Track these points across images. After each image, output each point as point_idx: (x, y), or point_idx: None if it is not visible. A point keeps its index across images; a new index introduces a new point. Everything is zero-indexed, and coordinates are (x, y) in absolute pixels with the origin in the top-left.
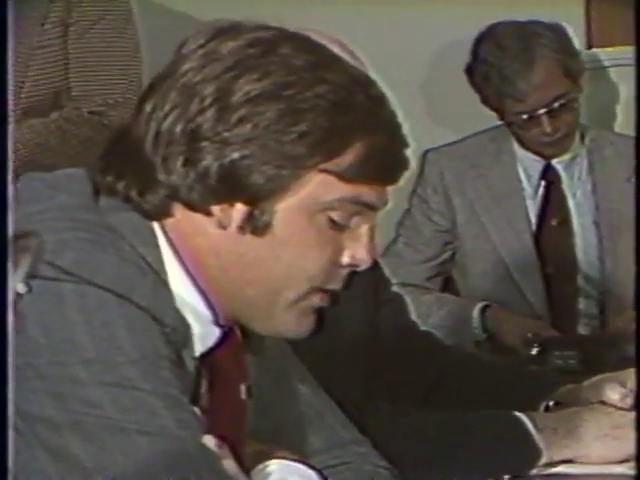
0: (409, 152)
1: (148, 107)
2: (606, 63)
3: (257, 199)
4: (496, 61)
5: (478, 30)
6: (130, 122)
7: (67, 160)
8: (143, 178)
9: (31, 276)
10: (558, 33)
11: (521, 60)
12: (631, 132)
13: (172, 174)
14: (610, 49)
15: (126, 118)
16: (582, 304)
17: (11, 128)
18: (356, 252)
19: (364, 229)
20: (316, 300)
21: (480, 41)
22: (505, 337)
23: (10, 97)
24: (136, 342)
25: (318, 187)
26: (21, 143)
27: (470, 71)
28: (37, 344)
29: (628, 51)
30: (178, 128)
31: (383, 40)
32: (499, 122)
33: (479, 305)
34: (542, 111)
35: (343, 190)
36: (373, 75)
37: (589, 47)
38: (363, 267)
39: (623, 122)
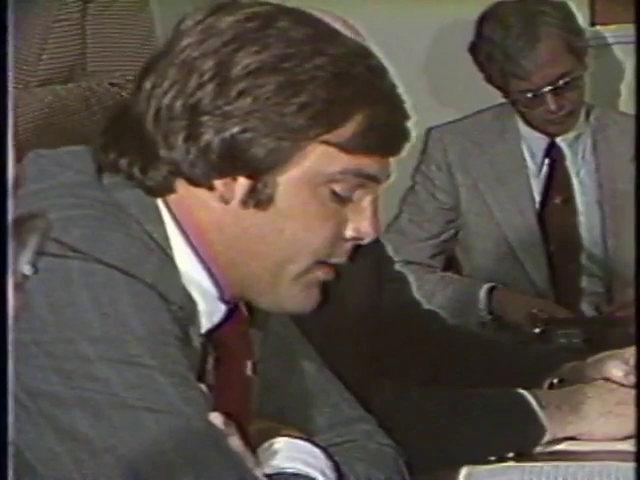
0: (410, 123)
1: (148, 84)
2: (610, 40)
3: (259, 172)
4: (500, 40)
5: (480, 9)
6: (130, 100)
7: (91, 125)
8: (145, 155)
9: (38, 256)
10: (562, 11)
11: (525, 38)
12: (633, 110)
13: (174, 150)
14: (614, 26)
15: None
16: (585, 282)
17: (11, 116)
18: (360, 225)
19: (367, 202)
20: (320, 274)
21: (484, 19)
22: (510, 316)
23: (10, 87)
24: (143, 319)
25: (320, 159)
26: (40, 108)
27: (474, 50)
28: (44, 321)
29: (632, 28)
30: (178, 104)
31: (385, 20)
32: (502, 101)
33: (486, 286)
34: (547, 89)
35: (345, 162)
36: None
37: (593, 24)
38: (367, 240)
39: (627, 100)
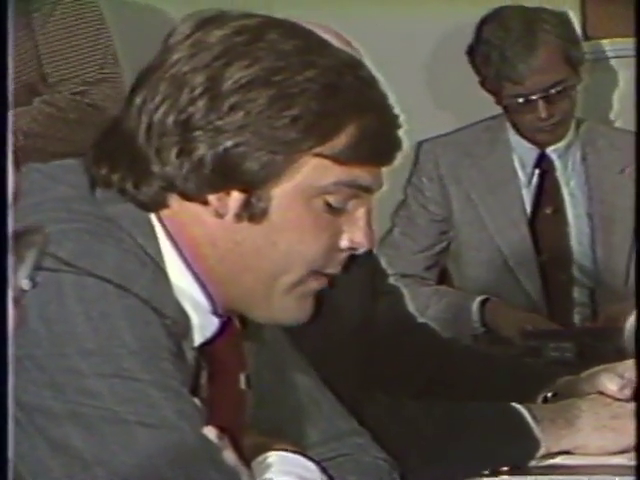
0: (401, 132)
1: (138, 100)
2: (602, 55)
3: (253, 186)
4: (499, 42)
5: (481, 14)
6: (121, 115)
7: (56, 143)
8: (137, 170)
9: (36, 271)
10: (562, 20)
11: (524, 43)
12: (624, 124)
13: (167, 165)
14: (606, 41)
15: (109, 94)
16: (576, 293)
17: (11, 121)
18: (354, 235)
19: (361, 212)
20: (315, 284)
21: (484, 22)
22: (503, 330)
23: (10, 90)
24: (136, 333)
25: (313, 171)
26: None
27: (471, 52)
28: (37, 335)
29: (624, 43)
30: (170, 119)
31: (387, 24)
32: (500, 108)
33: (478, 299)
34: (539, 95)
35: (338, 173)
36: (377, 59)
37: (585, 39)
38: (361, 250)
39: (617, 114)
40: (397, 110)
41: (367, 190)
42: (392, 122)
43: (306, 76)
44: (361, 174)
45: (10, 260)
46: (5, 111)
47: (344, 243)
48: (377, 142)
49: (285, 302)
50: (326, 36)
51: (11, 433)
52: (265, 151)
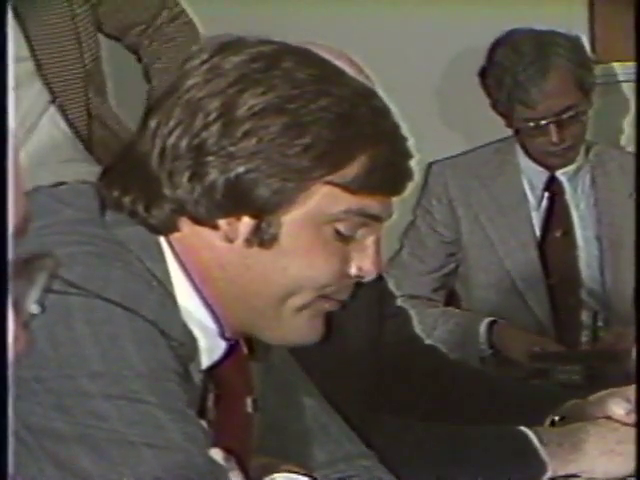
0: (413, 163)
1: (153, 123)
2: (610, 78)
3: (263, 212)
4: (511, 65)
5: (493, 37)
6: (135, 138)
7: None
8: (149, 193)
9: (45, 295)
10: (575, 45)
11: (536, 67)
12: (634, 147)
13: (178, 189)
14: (616, 64)
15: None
16: (584, 316)
17: (11, 142)
18: (362, 263)
19: (370, 240)
20: (325, 305)
21: (497, 45)
22: (510, 352)
23: (11, 94)
24: (143, 355)
25: (324, 199)
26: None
27: (483, 74)
28: (45, 357)
29: (633, 66)
30: (183, 143)
31: (398, 46)
32: (510, 130)
33: (486, 321)
34: (550, 120)
35: (349, 202)
36: (387, 80)
37: (594, 62)
38: (369, 278)
39: (626, 137)
40: (408, 135)
41: (377, 219)
42: (404, 153)
43: (320, 105)
44: (371, 203)
45: (11, 282)
46: (5, 110)
47: (352, 271)
48: (388, 172)
49: (295, 322)
50: (338, 62)
51: (11, 451)
52: (277, 178)
